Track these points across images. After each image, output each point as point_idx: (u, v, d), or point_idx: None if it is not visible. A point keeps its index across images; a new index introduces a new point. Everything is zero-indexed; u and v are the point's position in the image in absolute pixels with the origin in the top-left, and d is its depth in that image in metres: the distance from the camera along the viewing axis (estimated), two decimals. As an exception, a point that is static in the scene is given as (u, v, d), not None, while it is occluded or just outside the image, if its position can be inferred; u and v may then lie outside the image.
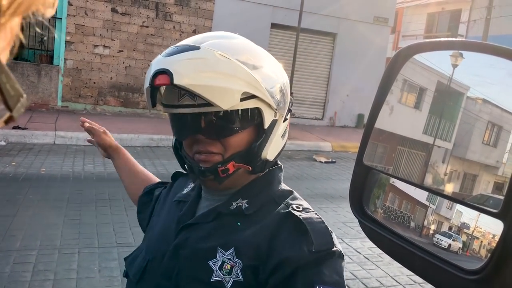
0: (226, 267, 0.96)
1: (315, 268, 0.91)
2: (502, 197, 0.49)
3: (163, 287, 1.02)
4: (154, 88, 0.95)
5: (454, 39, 0.63)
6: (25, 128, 8.65)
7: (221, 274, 0.95)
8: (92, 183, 6.26)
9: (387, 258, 4.54)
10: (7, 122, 0.35)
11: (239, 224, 1.01)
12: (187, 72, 0.90)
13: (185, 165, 1.09)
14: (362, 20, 14.39)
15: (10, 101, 0.34)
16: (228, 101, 0.91)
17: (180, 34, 12.54)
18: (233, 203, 1.04)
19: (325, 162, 9.32)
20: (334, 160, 9.53)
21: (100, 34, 11.87)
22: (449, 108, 0.65)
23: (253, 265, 0.95)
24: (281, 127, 1.05)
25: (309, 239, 0.93)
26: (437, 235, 0.59)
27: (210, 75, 0.91)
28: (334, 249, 0.95)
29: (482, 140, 0.56)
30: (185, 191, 1.19)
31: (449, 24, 23.73)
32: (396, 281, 4.15)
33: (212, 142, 0.99)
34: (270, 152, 1.02)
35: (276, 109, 1.01)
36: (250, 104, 0.96)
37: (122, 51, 12.10)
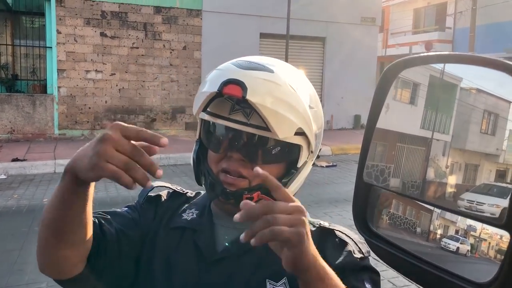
0: None
1: (364, 271, 0.95)
2: (506, 185, 0.49)
3: None
4: (219, 95, 0.90)
5: (441, 52, 0.64)
6: (24, 160, 8.64)
7: None
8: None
9: (397, 256, 4.53)
10: None
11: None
12: (261, 91, 0.88)
13: (204, 181, 1.02)
14: (350, 22, 14.47)
15: None
16: (285, 131, 0.91)
17: (171, 52, 12.59)
18: None
19: (326, 167, 9.31)
20: (335, 164, 9.52)
21: (91, 59, 11.91)
22: (444, 101, 0.65)
23: None
24: (308, 169, 1.04)
25: (353, 247, 0.97)
26: (444, 239, 0.59)
27: (280, 102, 0.90)
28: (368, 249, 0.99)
29: (480, 130, 0.56)
30: (186, 216, 1.07)
31: (436, 17, 23.88)
32: (409, 280, 4.12)
33: (244, 164, 0.95)
34: (293, 191, 1.00)
35: (312, 151, 1.01)
36: (298, 140, 0.95)
37: (115, 74, 12.14)
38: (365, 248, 0.98)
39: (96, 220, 1.00)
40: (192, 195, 1.16)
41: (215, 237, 1.02)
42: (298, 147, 0.97)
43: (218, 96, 0.91)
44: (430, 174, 0.63)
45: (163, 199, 1.12)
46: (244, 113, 0.92)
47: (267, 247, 0.96)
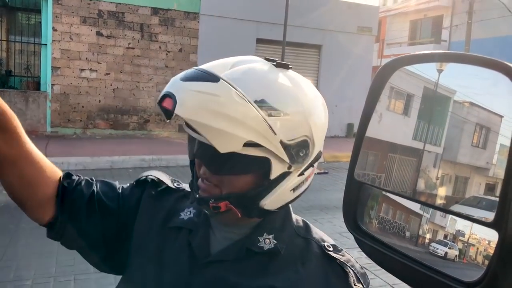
0: None
1: None
2: (495, 198, 0.49)
3: None
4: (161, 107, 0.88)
5: (437, 51, 0.63)
6: (14, 156, 8.57)
7: None
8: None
9: (385, 266, 4.54)
10: None
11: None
12: (191, 105, 0.83)
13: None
14: (346, 31, 14.56)
15: None
16: (226, 146, 0.84)
17: (167, 54, 12.59)
18: (260, 239, 0.96)
19: (318, 173, 9.31)
20: (326, 171, 9.54)
21: (86, 58, 11.87)
22: (437, 113, 0.65)
23: None
24: (294, 181, 0.94)
25: (353, 280, 0.95)
26: (433, 244, 0.59)
27: (214, 115, 0.82)
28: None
29: (471, 143, 0.56)
30: (183, 216, 1.05)
31: (431, 30, 24.11)
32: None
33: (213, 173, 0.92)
34: (270, 202, 0.93)
35: (289, 163, 0.91)
36: (255, 152, 0.87)
37: (109, 73, 12.10)
38: (366, 280, 0.99)
39: (66, 176, 1.04)
40: (188, 192, 1.10)
41: (210, 238, 1.00)
42: (266, 159, 0.89)
43: (162, 108, 0.88)
44: (421, 185, 0.63)
45: (153, 192, 1.09)
46: None
47: (265, 259, 0.95)
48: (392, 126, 0.75)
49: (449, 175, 0.59)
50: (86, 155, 8.99)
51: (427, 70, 0.65)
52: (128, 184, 1.14)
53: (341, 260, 0.97)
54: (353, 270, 0.97)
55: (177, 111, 0.82)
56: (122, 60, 12.19)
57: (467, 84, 0.60)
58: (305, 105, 0.91)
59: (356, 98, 13.63)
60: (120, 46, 12.15)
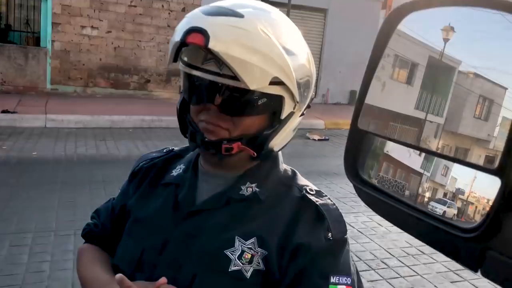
0: (246, 256, 0.91)
1: (330, 258, 0.93)
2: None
3: (169, 278, 0.90)
4: (184, 45, 0.86)
5: None
6: (14, 112, 8.56)
7: (240, 264, 0.91)
8: (85, 165, 6.23)
9: (380, 231, 4.62)
10: None
11: (253, 210, 0.96)
12: (226, 39, 0.81)
13: (187, 132, 1.00)
14: (353, -5, 14.25)
15: None
16: (257, 82, 0.84)
17: (169, 13, 12.36)
18: (242, 188, 0.98)
19: (318, 140, 9.34)
20: (327, 138, 9.56)
21: (88, 15, 11.66)
22: (440, 83, 0.65)
23: (274, 253, 0.92)
24: (297, 121, 0.99)
25: (326, 227, 0.93)
26: (431, 203, 0.59)
27: (248, 50, 0.82)
28: (346, 236, 0.97)
29: (473, 114, 0.56)
30: (174, 173, 1.07)
31: (440, -3, 23.57)
32: (389, 253, 4.22)
33: (223, 116, 0.91)
34: (278, 143, 0.97)
35: (297, 102, 0.94)
36: (276, 90, 0.89)
37: (111, 31, 11.91)
38: (341, 228, 0.96)
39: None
40: (179, 151, 1.16)
41: (196, 191, 1.02)
42: (279, 98, 0.91)
43: (183, 45, 0.86)
44: (421, 153, 0.63)
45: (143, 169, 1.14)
46: (216, 62, 0.86)
47: (243, 206, 0.97)
48: (395, 95, 0.75)
49: (449, 145, 0.59)
50: (86, 113, 8.97)
51: (433, 38, 0.64)
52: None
53: (318, 203, 0.96)
54: (328, 215, 0.95)
55: (212, 45, 0.81)
56: (124, 18, 11.98)
57: (480, 29, 0.58)
58: (306, 47, 0.96)
59: (360, 65, 13.46)
60: (122, 3, 11.91)
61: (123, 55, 12.12)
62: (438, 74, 0.66)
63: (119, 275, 0.87)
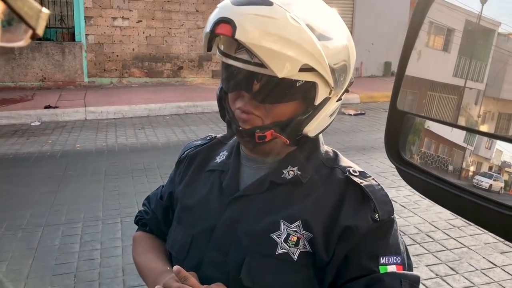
0: (292, 239, 0.93)
1: (379, 239, 0.93)
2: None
3: (218, 262, 0.96)
4: (214, 35, 0.88)
5: None
6: (56, 107, 8.85)
7: (287, 246, 0.92)
8: (126, 154, 6.40)
9: (424, 204, 4.53)
10: (32, 38, 0.37)
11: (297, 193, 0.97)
12: (252, 29, 0.83)
13: (225, 118, 1.02)
14: (383, -37, 13.78)
15: (31, 21, 0.35)
16: (285, 70, 0.85)
17: (197, -2, 12.35)
18: (284, 171, 0.99)
19: (355, 115, 9.20)
20: (363, 112, 9.40)
21: (118, 6, 11.82)
22: (479, 47, 0.62)
23: (320, 235, 0.93)
24: (333, 106, 0.98)
25: (372, 208, 0.94)
26: (477, 177, 0.58)
27: (275, 38, 0.83)
28: (393, 216, 0.97)
29: (516, 78, 0.54)
30: (218, 159, 1.10)
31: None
32: (434, 226, 4.15)
33: (256, 104, 0.93)
34: (313, 129, 0.96)
35: (332, 87, 0.94)
36: (307, 76, 0.89)
37: (141, 21, 12.05)
38: (387, 208, 0.95)
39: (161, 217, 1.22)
40: (222, 137, 1.19)
41: (239, 176, 1.04)
42: (312, 84, 0.91)
43: (214, 36, 0.88)
44: (461, 123, 0.62)
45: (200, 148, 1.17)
46: (248, 52, 0.88)
47: (286, 189, 0.98)
48: (431, 63, 0.72)
49: (491, 112, 0.57)
50: (124, 103, 9.17)
51: (469, 1, 0.61)
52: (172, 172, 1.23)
53: (363, 184, 0.96)
54: (374, 196, 0.95)
55: (238, 35, 0.82)
56: (153, 6, 12.07)
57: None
58: (343, 30, 0.96)
59: (394, 36, 13.09)
60: (150, -8, 11.99)
61: (155, 44, 12.24)
62: (476, 39, 0.63)
63: (176, 267, 0.91)
